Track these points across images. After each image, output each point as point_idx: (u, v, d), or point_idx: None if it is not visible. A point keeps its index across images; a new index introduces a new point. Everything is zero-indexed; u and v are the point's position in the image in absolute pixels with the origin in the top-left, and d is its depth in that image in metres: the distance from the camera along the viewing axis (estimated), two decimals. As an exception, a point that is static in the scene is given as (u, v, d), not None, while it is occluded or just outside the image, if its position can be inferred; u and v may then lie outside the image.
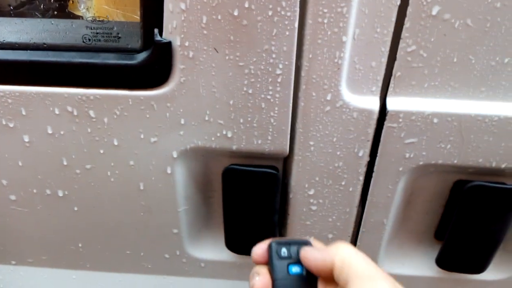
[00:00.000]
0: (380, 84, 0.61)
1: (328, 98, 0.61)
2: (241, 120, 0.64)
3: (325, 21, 0.55)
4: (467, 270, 0.78)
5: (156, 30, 0.58)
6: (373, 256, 0.78)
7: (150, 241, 0.82)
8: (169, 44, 0.58)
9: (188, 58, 0.59)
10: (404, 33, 0.56)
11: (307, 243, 0.50)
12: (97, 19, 0.63)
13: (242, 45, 0.57)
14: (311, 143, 0.66)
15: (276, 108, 0.62)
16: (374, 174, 0.68)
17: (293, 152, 0.67)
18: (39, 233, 0.83)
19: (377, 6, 0.55)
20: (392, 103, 0.61)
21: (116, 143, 0.68)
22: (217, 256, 0.84)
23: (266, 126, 0.64)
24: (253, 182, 0.70)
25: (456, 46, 0.56)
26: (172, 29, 0.57)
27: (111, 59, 0.61)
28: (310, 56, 0.58)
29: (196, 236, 0.83)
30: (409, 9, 0.54)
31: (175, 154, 0.68)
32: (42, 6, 0.73)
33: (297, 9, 0.54)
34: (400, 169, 0.66)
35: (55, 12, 0.73)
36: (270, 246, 0.50)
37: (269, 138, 0.65)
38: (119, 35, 0.63)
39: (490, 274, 0.79)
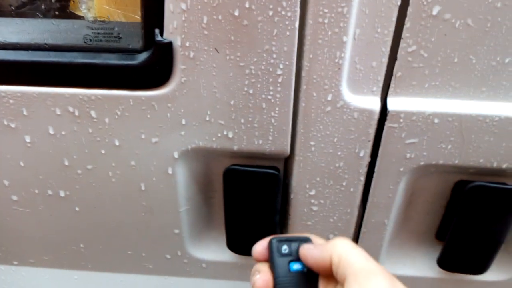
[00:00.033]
0: (380, 84, 0.61)
1: (329, 98, 0.61)
2: (242, 121, 0.64)
3: (326, 21, 0.55)
4: (469, 270, 0.78)
5: (157, 31, 0.58)
6: (374, 256, 0.78)
7: (151, 242, 0.82)
8: (170, 44, 0.58)
9: (189, 58, 0.59)
10: (405, 33, 0.56)
11: (307, 240, 0.50)
12: (98, 19, 0.63)
13: (243, 45, 0.57)
14: (312, 143, 0.66)
15: (277, 108, 0.62)
16: (375, 175, 0.68)
17: (294, 153, 0.67)
18: (41, 233, 0.84)
19: (377, 6, 0.55)
20: (393, 103, 0.61)
21: (117, 144, 0.68)
22: (219, 257, 0.84)
23: (267, 127, 0.64)
24: (254, 182, 0.70)
25: (456, 46, 0.56)
26: (173, 29, 0.57)
27: (112, 60, 0.61)
28: (311, 56, 0.58)
29: (198, 237, 0.83)
30: (410, 9, 0.54)
31: (176, 155, 0.68)
32: (43, 6, 0.73)
33: (298, 9, 0.54)
34: (401, 169, 0.66)
35: (56, 12, 0.73)
36: (270, 244, 0.50)
37: (270, 138, 0.65)
38: (120, 36, 0.63)
39: (491, 274, 0.79)
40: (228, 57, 0.58)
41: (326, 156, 0.67)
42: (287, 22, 0.55)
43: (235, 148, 0.67)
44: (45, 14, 0.73)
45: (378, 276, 0.43)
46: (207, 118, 0.64)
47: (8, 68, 0.63)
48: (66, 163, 0.71)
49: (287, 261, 0.48)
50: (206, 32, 0.57)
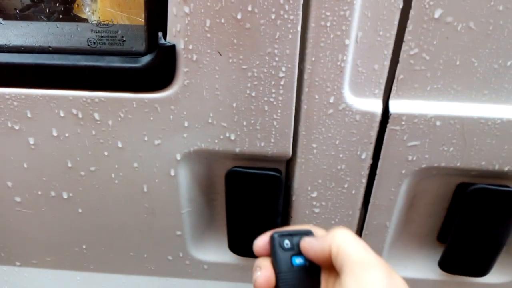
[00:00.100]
0: (382, 87, 0.61)
1: (331, 101, 0.61)
2: (244, 123, 0.64)
3: (328, 24, 0.55)
4: (470, 273, 0.78)
5: (160, 34, 0.58)
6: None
7: (154, 243, 0.82)
8: (173, 47, 0.58)
9: (192, 61, 0.59)
10: (407, 36, 0.56)
11: (308, 233, 0.49)
12: (102, 22, 0.63)
13: (246, 48, 0.57)
14: (314, 145, 0.66)
15: (279, 111, 0.62)
16: (376, 177, 0.68)
17: (296, 155, 0.67)
18: (44, 234, 0.84)
19: (379, 9, 0.55)
20: (395, 106, 0.61)
21: (120, 146, 0.68)
22: (220, 258, 0.84)
23: (269, 129, 0.64)
24: (256, 184, 0.70)
25: (458, 49, 0.57)
26: (176, 33, 0.57)
27: (115, 62, 0.61)
28: (313, 59, 0.58)
29: (199, 238, 0.84)
30: (412, 12, 0.54)
31: (178, 157, 0.69)
32: (47, 10, 0.73)
33: (300, 12, 0.54)
34: (403, 171, 0.67)
35: (60, 15, 0.73)
36: (272, 239, 0.49)
37: (272, 140, 0.65)
38: (124, 38, 0.63)
39: (493, 277, 0.79)
40: (230, 60, 0.59)
41: (328, 158, 0.67)
42: (289, 25, 0.55)
43: (237, 150, 0.67)
44: (49, 17, 0.73)
45: (375, 268, 0.42)
46: (210, 121, 0.64)
47: (13, 70, 0.63)
48: (70, 165, 0.71)
49: (289, 256, 0.48)
50: (209, 35, 0.57)
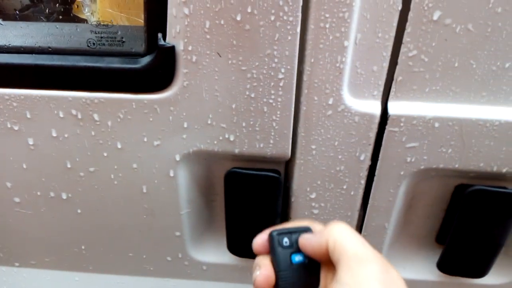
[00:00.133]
0: (381, 88, 0.61)
1: (330, 102, 0.61)
2: (244, 124, 0.64)
3: (327, 26, 0.56)
4: (469, 274, 0.78)
5: (159, 35, 0.58)
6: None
7: (153, 244, 0.82)
8: (172, 49, 0.58)
9: (191, 62, 0.59)
10: (406, 38, 0.56)
11: (307, 230, 0.49)
12: (102, 23, 0.64)
13: (245, 49, 0.58)
14: (313, 147, 0.66)
15: (278, 112, 0.63)
16: (375, 178, 0.68)
17: (295, 156, 0.67)
18: (43, 235, 0.84)
19: (378, 11, 0.55)
20: (394, 108, 0.62)
21: (119, 146, 0.68)
22: (219, 259, 0.84)
23: (268, 130, 0.65)
24: (255, 185, 0.71)
25: (457, 51, 0.57)
26: (175, 34, 0.58)
27: (115, 63, 0.61)
28: (312, 60, 0.58)
29: (199, 239, 0.84)
30: (410, 14, 0.55)
31: (178, 157, 0.69)
32: (47, 10, 0.73)
33: (299, 14, 0.55)
34: (402, 173, 0.67)
35: (60, 16, 0.73)
36: (271, 237, 0.49)
37: (271, 141, 0.66)
38: (123, 39, 0.63)
39: (491, 278, 0.79)
40: (230, 61, 0.59)
41: (327, 160, 0.67)
42: (288, 27, 0.55)
43: (237, 151, 0.67)
44: (48, 17, 0.73)
45: (370, 262, 0.42)
46: (209, 122, 0.64)
47: (12, 71, 0.63)
48: (69, 166, 0.71)
49: (288, 254, 0.48)
50: (208, 37, 0.57)
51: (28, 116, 0.66)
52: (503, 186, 0.68)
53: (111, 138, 0.67)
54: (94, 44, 0.63)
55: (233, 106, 0.63)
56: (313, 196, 0.71)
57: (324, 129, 0.64)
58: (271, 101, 0.62)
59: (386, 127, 0.62)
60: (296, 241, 0.48)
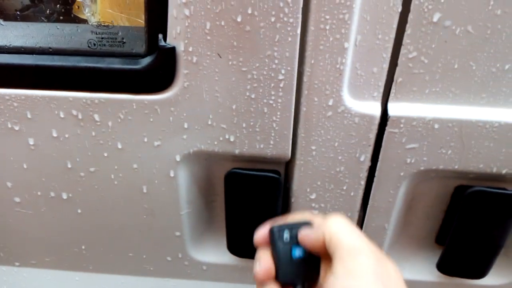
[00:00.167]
0: (381, 89, 0.61)
1: (330, 103, 0.61)
2: (244, 125, 0.64)
3: (327, 27, 0.56)
4: (468, 275, 0.78)
5: (160, 36, 0.59)
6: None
7: (153, 244, 0.83)
8: (173, 49, 0.59)
9: (192, 63, 0.59)
10: (405, 40, 0.56)
11: (307, 224, 0.49)
12: (102, 24, 0.64)
13: (245, 50, 0.58)
14: (313, 147, 0.66)
15: (278, 113, 0.63)
16: (375, 179, 0.68)
17: (295, 157, 0.68)
18: (43, 235, 0.84)
19: (378, 12, 0.55)
20: (394, 109, 0.62)
21: (120, 147, 0.68)
22: (219, 259, 0.84)
23: (269, 131, 0.65)
24: (255, 186, 0.71)
25: (457, 52, 0.57)
26: (176, 35, 0.58)
27: (115, 64, 0.61)
28: (312, 62, 0.58)
29: (199, 239, 0.84)
30: (410, 16, 0.55)
31: (178, 158, 0.69)
32: (47, 10, 0.74)
33: (300, 15, 0.55)
34: (401, 174, 0.67)
35: (60, 17, 0.73)
36: (271, 232, 0.50)
37: (271, 142, 0.66)
38: (124, 40, 0.63)
39: (491, 279, 0.79)
40: (230, 62, 0.59)
41: (327, 161, 0.67)
42: (289, 28, 0.56)
43: (237, 152, 0.67)
44: (49, 18, 0.73)
45: (364, 254, 0.42)
46: (209, 122, 0.65)
47: (13, 71, 0.63)
48: (69, 166, 0.72)
49: (288, 248, 0.48)
50: (209, 38, 0.57)
51: (29, 116, 0.66)
52: (502, 187, 0.68)
53: (112, 139, 0.68)
54: (95, 44, 0.63)
55: (234, 107, 0.63)
56: (313, 196, 0.71)
57: (324, 130, 0.64)
58: (271, 102, 0.62)
59: (386, 128, 0.63)
60: (296, 236, 0.49)
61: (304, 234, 0.48)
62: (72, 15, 0.74)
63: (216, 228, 0.83)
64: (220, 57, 0.59)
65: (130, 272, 0.89)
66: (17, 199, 0.78)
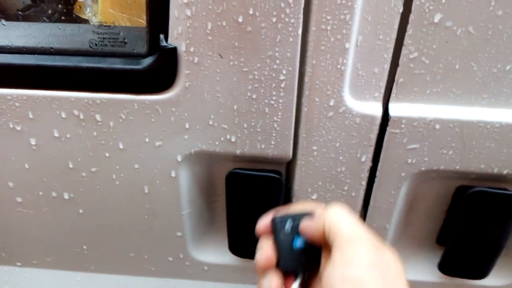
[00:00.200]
0: (382, 90, 0.61)
1: (331, 103, 0.62)
2: (245, 125, 0.65)
3: (329, 28, 0.56)
4: (469, 275, 0.78)
5: (162, 36, 0.59)
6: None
7: (154, 244, 0.83)
8: (174, 50, 0.59)
9: (193, 64, 0.60)
10: (407, 40, 0.57)
11: (309, 214, 0.50)
12: (104, 24, 0.64)
13: (247, 51, 0.58)
14: (314, 148, 0.66)
15: (280, 113, 0.63)
16: (376, 180, 0.68)
17: (296, 157, 0.68)
18: (44, 235, 0.84)
19: (379, 13, 0.55)
20: (395, 109, 0.62)
21: (121, 147, 0.68)
22: (220, 260, 0.84)
23: (270, 131, 0.65)
24: (256, 186, 0.71)
25: (458, 53, 0.57)
26: (177, 35, 0.58)
27: (117, 64, 0.62)
28: (314, 62, 0.58)
29: (200, 240, 0.84)
30: (411, 17, 0.55)
31: (179, 158, 0.69)
32: (49, 11, 0.74)
33: (301, 16, 0.55)
34: (403, 174, 0.67)
35: (62, 17, 0.74)
36: (274, 222, 0.50)
37: (273, 142, 0.66)
38: (125, 40, 0.64)
39: (492, 279, 0.79)
40: (231, 63, 0.59)
41: (328, 161, 0.67)
42: (290, 29, 0.56)
43: (238, 152, 0.67)
44: (50, 17, 0.74)
45: (362, 243, 0.42)
46: (211, 122, 0.65)
47: (14, 71, 0.63)
48: (71, 166, 0.72)
49: (290, 239, 0.49)
50: (210, 38, 0.57)
51: (31, 116, 0.66)
52: (504, 188, 0.68)
53: (113, 139, 0.68)
54: (96, 45, 0.63)
55: (235, 107, 0.63)
56: (314, 197, 0.71)
57: (325, 130, 0.64)
58: (272, 102, 0.62)
59: (387, 128, 0.63)
60: (298, 226, 0.49)
61: (305, 225, 0.48)
62: (74, 15, 0.74)
63: (217, 228, 0.83)
64: (222, 57, 0.59)
65: (131, 272, 0.89)
66: (19, 199, 0.78)
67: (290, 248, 0.48)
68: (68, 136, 0.68)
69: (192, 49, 0.58)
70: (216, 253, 0.84)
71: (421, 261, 0.82)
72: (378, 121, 0.62)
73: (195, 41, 0.58)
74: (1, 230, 0.85)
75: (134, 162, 0.70)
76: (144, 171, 0.71)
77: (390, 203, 0.71)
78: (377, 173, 0.67)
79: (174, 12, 0.56)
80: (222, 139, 0.66)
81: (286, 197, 0.74)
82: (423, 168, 0.66)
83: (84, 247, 0.85)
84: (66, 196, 0.76)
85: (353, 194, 0.70)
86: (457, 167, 0.65)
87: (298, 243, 0.49)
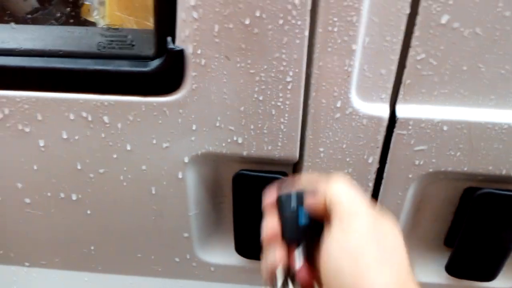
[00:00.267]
0: (389, 91, 0.61)
1: (338, 105, 0.62)
2: (252, 126, 0.65)
3: (335, 29, 0.56)
4: (477, 277, 0.77)
5: (169, 38, 0.59)
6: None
7: (161, 245, 0.83)
8: (181, 52, 0.59)
9: (200, 66, 0.60)
10: (414, 42, 0.56)
11: (313, 191, 0.50)
12: (112, 27, 0.64)
13: (253, 53, 0.58)
14: (321, 149, 0.66)
15: (286, 115, 0.63)
16: (383, 181, 0.68)
17: (303, 158, 0.68)
18: (52, 235, 0.85)
19: (386, 15, 0.55)
20: (402, 111, 0.62)
21: (129, 148, 0.69)
22: (227, 261, 0.84)
23: (276, 133, 0.65)
24: (263, 187, 0.70)
25: (465, 54, 0.57)
26: (184, 37, 0.58)
27: (125, 66, 0.62)
28: (320, 63, 0.59)
29: (206, 240, 0.84)
30: (419, 18, 0.55)
31: (186, 159, 0.69)
32: (57, 14, 0.74)
33: (308, 18, 0.55)
34: (410, 176, 0.67)
35: (69, 20, 0.74)
36: (279, 199, 0.50)
37: (279, 144, 0.66)
38: (133, 43, 0.64)
39: (500, 282, 0.79)
40: (238, 65, 0.59)
41: (335, 162, 0.67)
42: (297, 31, 0.56)
43: (245, 153, 0.68)
44: (58, 20, 0.74)
45: (361, 215, 0.42)
46: (217, 124, 0.65)
47: (24, 74, 0.64)
48: (79, 167, 0.72)
49: (295, 215, 0.49)
50: (217, 40, 0.57)
51: (39, 118, 0.67)
52: (512, 190, 0.68)
53: (121, 140, 0.68)
54: (104, 47, 0.64)
55: (242, 108, 0.63)
56: (320, 198, 0.71)
57: (332, 132, 0.64)
58: (279, 104, 0.62)
59: (394, 130, 0.63)
60: (302, 203, 0.49)
61: (309, 203, 0.49)
62: (82, 18, 0.75)
63: (224, 230, 0.84)
64: (229, 59, 0.59)
65: (138, 272, 0.90)
66: (27, 200, 0.79)
67: (295, 224, 0.49)
68: (76, 137, 0.69)
69: (199, 51, 0.59)
70: (223, 254, 0.85)
71: (428, 262, 0.81)
72: (385, 123, 0.62)
73: (202, 43, 0.58)
74: (9, 231, 0.85)
75: (142, 164, 0.71)
76: (151, 172, 0.71)
77: (397, 205, 0.70)
78: (384, 175, 0.67)
79: (181, 14, 0.57)
80: (229, 140, 0.66)
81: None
82: (430, 170, 0.66)
83: (92, 248, 0.86)
84: (74, 197, 0.77)
85: (360, 196, 0.70)
86: (465, 169, 0.65)
87: (303, 219, 0.49)
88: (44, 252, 0.89)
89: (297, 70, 0.59)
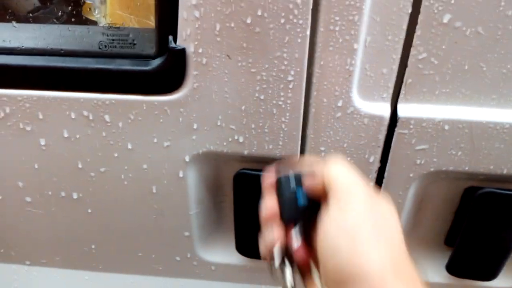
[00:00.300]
0: (391, 90, 0.61)
1: (339, 104, 0.62)
2: (253, 126, 0.65)
3: (337, 28, 0.56)
4: (478, 277, 0.77)
5: (170, 37, 0.59)
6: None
7: (162, 244, 0.83)
8: (183, 51, 0.59)
9: (202, 65, 0.60)
10: (415, 41, 0.56)
11: (312, 173, 0.50)
12: (113, 26, 0.64)
13: (255, 52, 0.58)
14: (322, 148, 0.66)
15: (288, 114, 0.63)
16: (384, 180, 0.68)
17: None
18: (53, 234, 0.85)
19: (388, 14, 0.55)
20: (403, 110, 0.62)
21: (130, 147, 0.69)
22: (228, 260, 0.84)
23: (278, 132, 0.65)
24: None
25: (467, 53, 0.57)
26: (186, 36, 0.58)
27: (126, 65, 0.62)
28: (322, 63, 0.58)
29: (207, 239, 0.84)
30: (420, 17, 0.55)
31: (187, 158, 0.69)
32: (58, 12, 0.74)
33: (309, 17, 0.55)
34: (411, 175, 0.67)
35: (70, 18, 0.74)
36: (278, 181, 0.50)
37: (280, 143, 0.66)
38: (135, 42, 0.64)
39: (501, 281, 0.79)
40: (240, 64, 0.59)
41: (336, 162, 0.67)
42: (298, 30, 0.56)
43: (246, 152, 0.68)
44: (59, 19, 0.74)
45: (357, 195, 0.42)
46: (219, 123, 0.65)
47: (25, 73, 0.64)
48: (80, 166, 0.72)
49: (294, 197, 0.49)
50: (218, 39, 0.57)
51: (40, 117, 0.67)
52: (513, 189, 0.68)
53: (122, 139, 0.68)
54: (105, 46, 0.64)
55: (243, 107, 0.63)
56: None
57: (333, 131, 0.64)
58: (280, 103, 0.62)
59: (396, 129, 0.62)
60: (301, 184, 0.49)
61: (308, 184, 0.49)
62: (84, 17, 0.75)
63: (225, 229, 0.84)
64: (230, 58, 0.59)
65: (139, 271, 0.90)
66: (28, 199, 0.79)
67: (294, 205, 0.49)
68: (77, 136, 0.69)
69: (200, 50, 0.59)
70: (224, 253, 0.85)
71: (429, 262, 0.81)
72: (386, 122, 0.62)
73: (204, 42, 0.58)
74: (10, 229, 0.85)
75: (143, 162, 0.71)
76: (152, 171, 0.71)
77: (398, 204, 0.70)
78: (385, 174, 0.67)
79: (182, 13, 0.57)
80: (230, 139, 0.66)
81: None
82: (431, 169, 0.66)
83: (93, 247, 0.86)
84: (75, 195, 0.77)
85: (361, 195, 0.70)
86: (466, 168, 0.65)
87: (302, 200, 0.49)
88: (45, 250, 0.89)
89: (298, 69, 0.59)
